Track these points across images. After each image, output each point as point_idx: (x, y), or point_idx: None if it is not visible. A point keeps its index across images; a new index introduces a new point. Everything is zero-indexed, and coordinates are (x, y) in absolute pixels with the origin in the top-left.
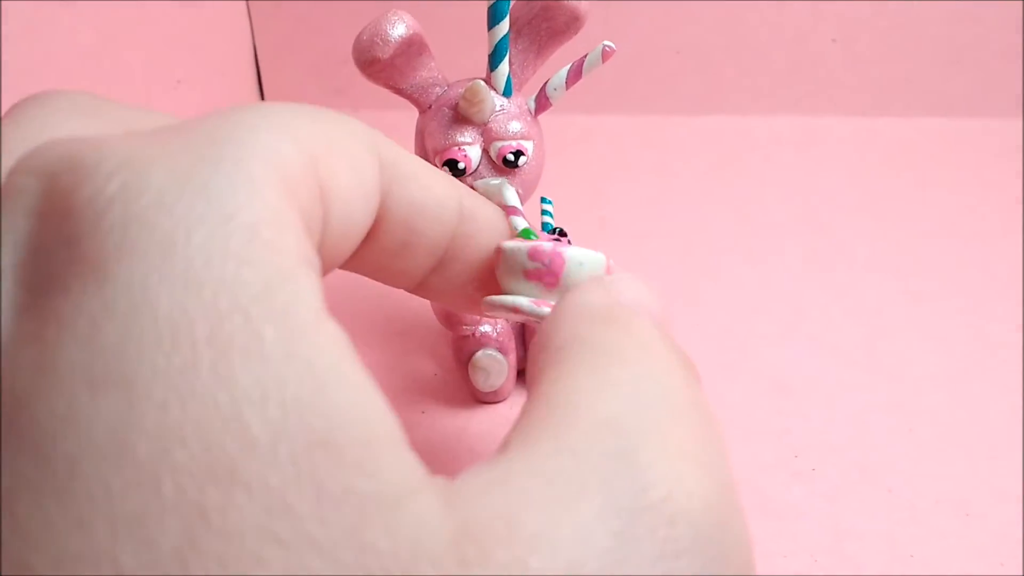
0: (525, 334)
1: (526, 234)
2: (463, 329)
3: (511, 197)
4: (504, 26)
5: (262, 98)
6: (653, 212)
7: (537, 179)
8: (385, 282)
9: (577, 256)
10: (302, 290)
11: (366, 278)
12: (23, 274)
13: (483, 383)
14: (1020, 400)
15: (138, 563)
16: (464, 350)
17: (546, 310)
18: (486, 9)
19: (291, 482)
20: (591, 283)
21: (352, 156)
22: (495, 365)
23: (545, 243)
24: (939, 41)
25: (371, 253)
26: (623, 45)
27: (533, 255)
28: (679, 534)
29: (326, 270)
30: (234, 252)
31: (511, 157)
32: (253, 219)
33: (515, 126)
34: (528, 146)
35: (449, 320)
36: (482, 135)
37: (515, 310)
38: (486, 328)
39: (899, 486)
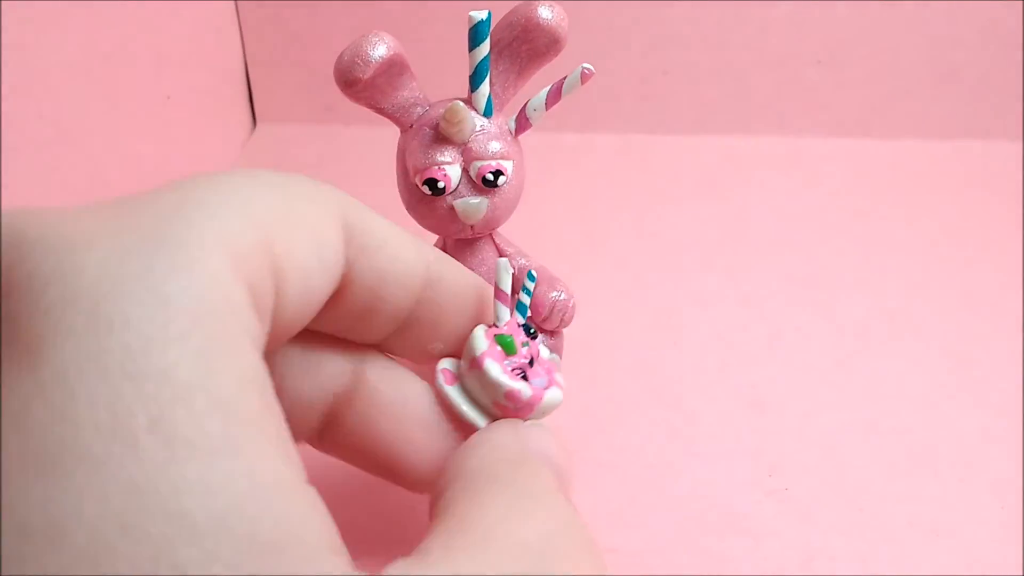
0: None
1: (503, 342)
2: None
3: (505, 281)
4: (485, 47)
5: (252, 114)
6: (638, 230)
7: (516, 199)
8: (346, 337)
9: (544, 408)
10: (246, 379)
11: None
12: None
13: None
14: (992, 421)
15: None
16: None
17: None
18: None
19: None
20: (504, 425)
21: (312, 228)
22: None
23: (524, 390)
24: (923, 64)
25: (334, 317)
26: (612, 65)
27: (509, 397)
28: None
29: (282, 340)
30: (174, 338)
31: (490, 177)
32: (194, 304)
33: (495, 146)
34: (508, 166)
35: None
36: (462, 154)
37: (464, 418)
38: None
39: (871, 505)
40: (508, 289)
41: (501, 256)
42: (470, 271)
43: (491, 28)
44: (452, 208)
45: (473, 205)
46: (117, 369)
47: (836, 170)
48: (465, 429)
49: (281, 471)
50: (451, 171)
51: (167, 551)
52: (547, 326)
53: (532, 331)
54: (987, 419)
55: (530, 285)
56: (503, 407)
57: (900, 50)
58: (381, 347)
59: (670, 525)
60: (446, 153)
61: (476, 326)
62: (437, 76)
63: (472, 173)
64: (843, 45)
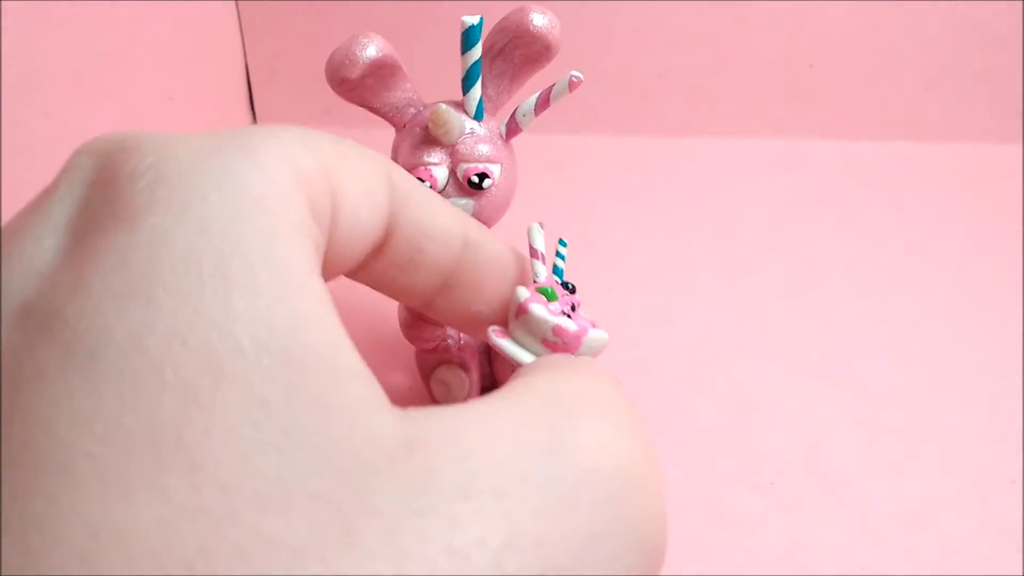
0: (491, 352)
1: (546, 293)
2: (425, 343)
3: (538, 240)
4: (476, 51)
5: (253, 115)
6: (633, 231)
7: (506, 202)
8: (397, 298)
9: (591, 342)
10: (296, 252)
11: (342, 303)
12: (71, 227)
13: (443, 397)
14: (974, 419)
15: (138, 425)
16: (426, 364)
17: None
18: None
19: (269, 384)
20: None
21: (363, 172)
22: (456, 379)
23: (570, 323)
24: (913, 67)
25: (380, 266)
26: (607, 67)
27: (557, 332)
28: (594, 477)
29: (337, 271)
30: (241, 213)
31: (475, 179)
32: (261, 192)
33: (483, 149)
34: (494, 169)
35: (411, 334)
36: (450, 156)
37: (516, 361)
38: (449, 342)
39: (853, 500)
40: (542, 248)
41: None
42: (511, 247)
43: (485, 33)
44: None
45: (459, 207)
46: (193, 231)
47: (827, 172)
48: None
49: (323, 316)
50: (438, 172)
51: (216, 362)
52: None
53: (571, 287)
54: (969, 417)
55: (563, 250)
56: (552, 344)
57: (891, 54)
58: (430, 309)
59: None
60: (434, 154)
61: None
62: (437, 78)
63: (459, 175)
64: (834, 50)
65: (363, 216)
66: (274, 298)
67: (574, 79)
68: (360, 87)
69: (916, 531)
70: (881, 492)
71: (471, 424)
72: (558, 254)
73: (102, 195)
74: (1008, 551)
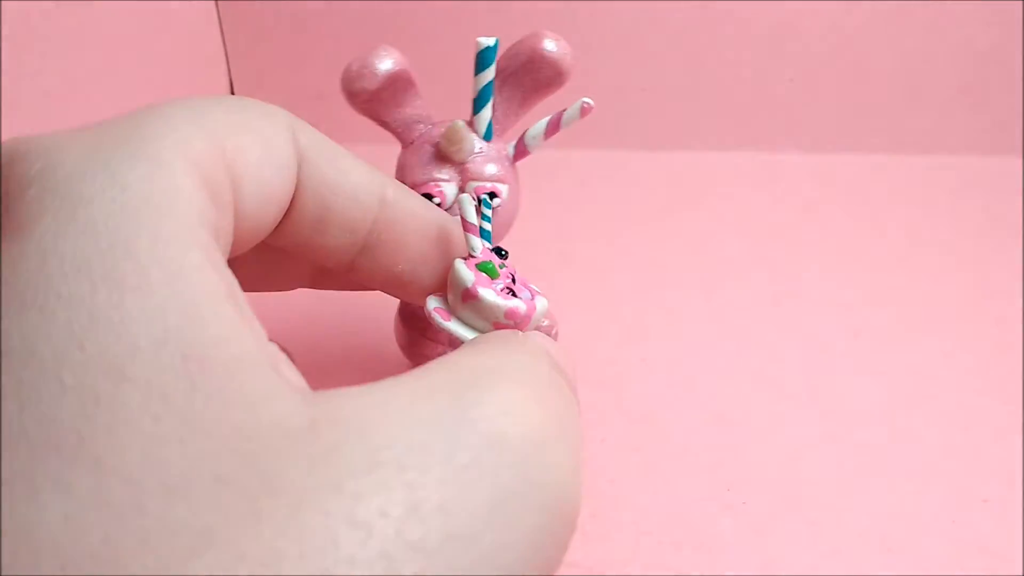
0: None
1: (486, 269)
2: (425, 360)
3: (470, 213)
4: (489, 73)
5: None
6: (613, 243)
7: (510, 222)
8: (317, 261)
9: (539, 316)
10: (188, 246)
11: (329, 316)
12: None
13: None
14: (948, 438)
15: (40, 430)
16: None
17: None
18: (474, 55)
19: (169, 380)
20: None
21: (263, 135)
22: None
23: (521, 305)
24: (892, 81)
25: (291, 225)
26: (591, 81)
27: (509, 315)
28: (498, 443)
29: (254, 238)
30: (128, 213)
31: (485, 197)
32: (147, 189)
33: (492, 168)
34: (503, 189)
35: (411, 351)
36: (459, 174)
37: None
38: None
39: (824, 520)
40: (475, 220)
41: None
42: (432, 205)
43: (498, 55)
44: None
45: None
46: (80, 235)
47: (808, 185)
48: None
49: (214, 307)
50: (447, 188)
51: (116, 366)
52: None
53: (503, 252)
54: (943, 437)
55: (488, 212)
56: (503, 326)
57: (871, 67)
58: (353, 270)
59: (629, 538)
60: (444, 171)
61: (450, 259)
62: (446, 94)
63: (468, 193)
64: (814, 64)
65: (268, 178)
66: (167, 295)
67: (586, 105)
68: (375, 100)
69: (888, 551)
70: (854, 512)
71: (375, 400)
72: (484, 217)
73: None
74: (980, 571)
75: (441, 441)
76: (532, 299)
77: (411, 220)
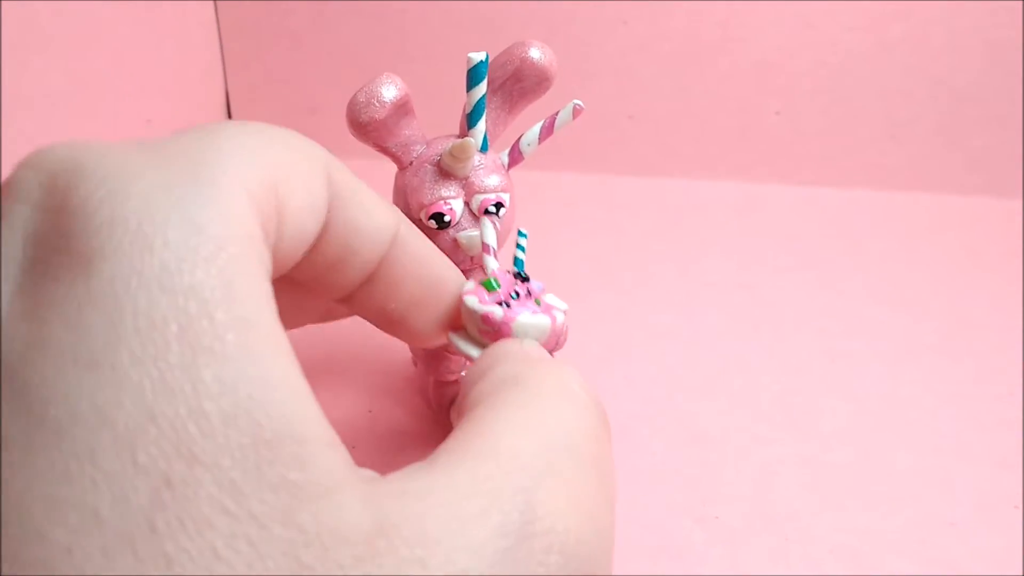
0: None
1: (487, 285)
2: (450, 375)
3: (490, 236)
4: (482, 87)
5: None
6: (598, 265)
7: (510, 229)
8: (317, 293)
9: (522, 326)
10: (261, 301)
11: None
12: (24, 258)
13: None
14: (918, 461)
15: (113, 513)
16: (445, 395)
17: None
18: (466, 71)
19: (239, 465)
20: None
21: (306, 179)
22: None
23: (496, 311)
24: (876, 118)
25: (310, 263)
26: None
27: (485, 320)
28: (552, 560)
29: (276, 273)
30: (203, 260)
31: (492, 209)
32: (222, 232)
33: (494, 180)
34: (506, 198)
35: (433, 366)
36: (464, 189)
37: (466, 355)
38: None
39: (796, 535)
40: (493, 244)
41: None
42: (436, 249)
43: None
44: (455, 241)
45: (475, 237)
46: (155, 283)
47: (789, 216)
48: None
49: (288, 378)
50: (455, 205)
51: (187, 443)
52: (546, 347)
53: (524, 276)
54: (913, 460)
55: (522, 241)
56: (487, 333)
57: (855, 104)
58: (345, 303)
59: None
60: (450, 188)
61: (442, 306)
62: (425, 114)
63: (474, 206)
64: (800, 98)
65: (306, 224)
66: (242, 364)
67: (577, 107)
68: (381, 128)
69: (857, 569)
70: (824, 529)
71: (436, 511)
72: (518, 246)
73: (55, 225)
74: None
75: (503, 558)
76: (519, 312)
77: (411, 264)
